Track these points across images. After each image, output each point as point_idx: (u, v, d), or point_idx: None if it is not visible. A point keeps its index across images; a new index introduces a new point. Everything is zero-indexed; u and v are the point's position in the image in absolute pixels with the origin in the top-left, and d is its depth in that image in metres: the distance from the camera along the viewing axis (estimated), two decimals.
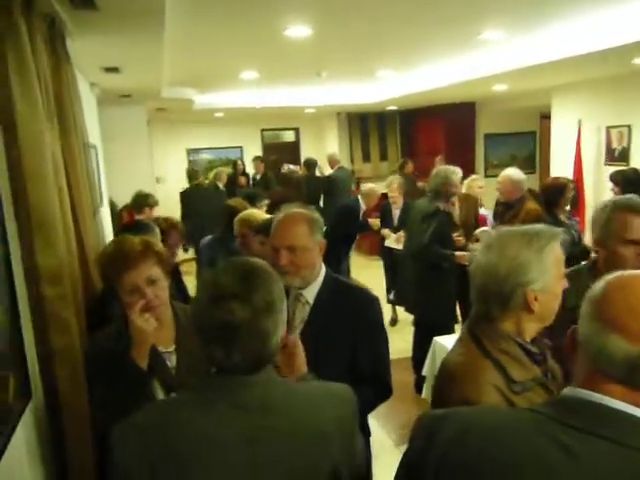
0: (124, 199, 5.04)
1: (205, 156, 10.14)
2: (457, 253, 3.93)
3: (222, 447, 1.05)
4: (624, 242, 1.70)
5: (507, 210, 4.09)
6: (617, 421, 0.79)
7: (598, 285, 0.88)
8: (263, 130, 10.53)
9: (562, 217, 3.90)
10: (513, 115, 8.94)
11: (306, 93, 7.71)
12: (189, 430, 1.06)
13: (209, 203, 6.63)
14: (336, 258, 5.42)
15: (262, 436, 1.07)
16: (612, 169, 5.98)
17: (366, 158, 10.60)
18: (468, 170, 9.06)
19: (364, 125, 10.49)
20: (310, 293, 1.87)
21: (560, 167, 6.83)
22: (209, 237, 3.63)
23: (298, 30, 3.75)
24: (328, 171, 8.20)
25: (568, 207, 4.27)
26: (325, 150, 10.07)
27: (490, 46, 4.70)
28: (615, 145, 6.08)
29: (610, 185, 4.81)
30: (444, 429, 0.91)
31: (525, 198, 4.01)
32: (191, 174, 7.72)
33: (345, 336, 1.81)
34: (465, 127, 9.32)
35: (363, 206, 5.51)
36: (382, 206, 6.04)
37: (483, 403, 1.14)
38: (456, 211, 4.35)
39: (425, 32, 4.22)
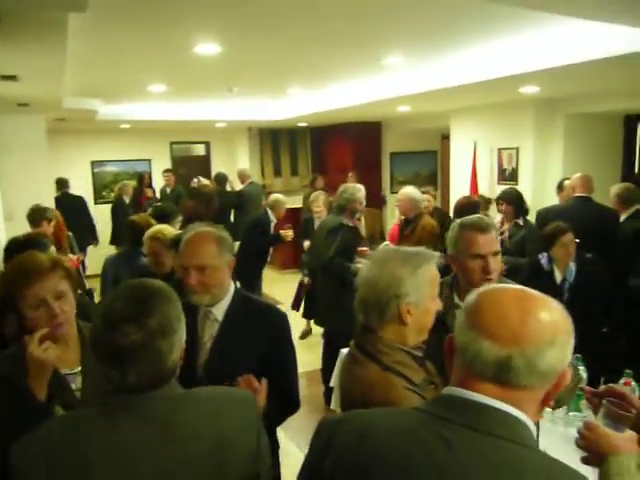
0: (22, 212, 4.76)
1: (111, 169, 9.75)
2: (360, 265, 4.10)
3: (127, 460, 1.08)
4: (471, 256, 1.89)
5: (406, 225, 4.34)
6: (486, 415, 0.90)
7: (471, 297, 1.00)
8: (173, 143, 10.32)
9: None
10: (416, 135, 9.43)
11: (217, 107, 7.70)
12: (94, 446, 1.08)
13: (76, 213, 6.66)
14: (251, 273, 5.44)
15: (165, 446, 1.10)
16: (503, 187, 6.51)
17: (277, 173, 10.72)
18: (375, 187, 9.53)
19: (275, 140, 10.61)
20: (219, 310, 1.90)
21: (458, 185, 7.31)
22: (114, 254, 3.54)
23: (207, 47, 3.77)
24: (239, 186, 8.21)
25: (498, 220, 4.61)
26: (236, 164, 10.07)
27: (391, 70, 4.98)
28: (506, 165, 6.62)
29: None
30: (341, 432, 0.99)
31: (422, 215, 4.30)
32: (59, 182, 7.51)
33: (253, 352, 1.85)
34: (372, 145, 9.71)
35: (273, 218, 5.57)
36: (304, 220, 6.16)
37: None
38: (362, 225, 4.56)
39: (331, 54, 4.39)
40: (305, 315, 5.75)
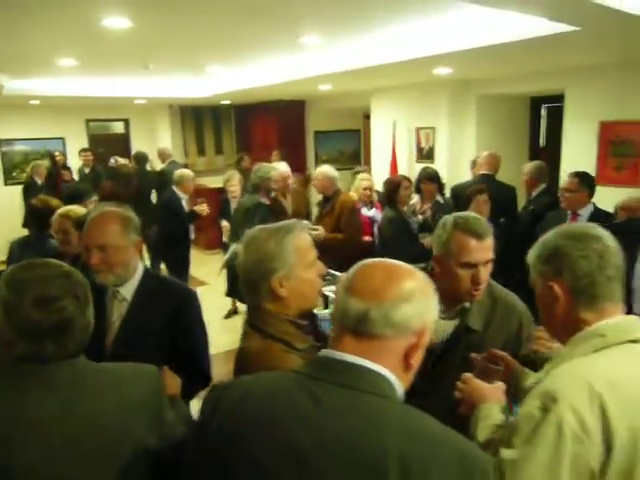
0: None
1: (21, 148, 9.18)
2: None
3: (38, 426, 1.16)
4: (461, 264, 1.69)
5: (325, 203, 4.43)
6: (350, 371, 0.99)
7: (351, 270, 1.09)
8: (89, 121, 9.84)
9: (405, 210, 4.32)
10: (340, 114, 9.54)
11: (135, 84, 7.40)
12: (5, 413, 1.15)
13: None
14: (176, 257, 5.37)
15: (72, 410, 1.18)
16: (422, 165, 6.76)
17: (201, 152, 10.52)
18: (300, 165, 9.58)
19: (198, 118, 10.39)
20: (127, 290, 1.91)
21: (380, 163, 7.50)
22: (21, 237, 3.39)
23: (116, 21, 3.63)
24: (160, 165, 8.00)
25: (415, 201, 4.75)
26: (158, 143, 9.77)
27: (310, 49, 5.00)
28: (424, 144, 6.86)
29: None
30: (226, 397, 1.06)
31: (339, 191, 4.42)
32: None
33: (163, 330, 1.88)
34: (296, 124, 9.74)
35: (182, 195, 5.49)
36: (221, 201, 6.11)
37: None
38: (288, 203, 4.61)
39: (249, 31, 4.34)
40: (229, 294, 5.77)
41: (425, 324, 1.04)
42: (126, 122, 10.38)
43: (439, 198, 4.62)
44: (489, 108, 6.50)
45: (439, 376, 1.65)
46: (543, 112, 6.88)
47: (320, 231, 4.19)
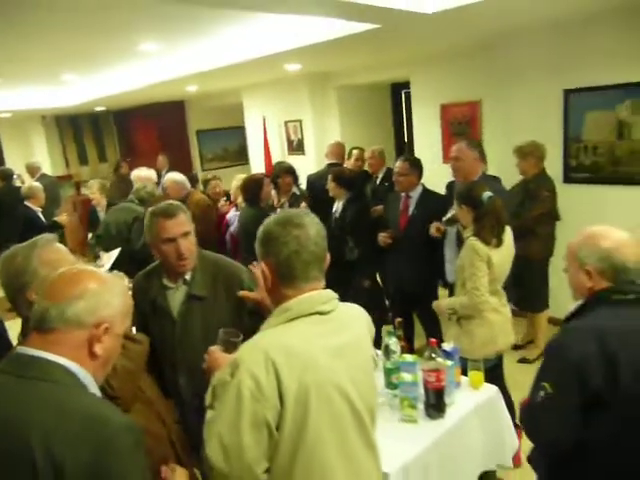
0: None
1: None
2: None
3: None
4: (163, 241, 2.02)
5: None
6: (31, 363, 1.14)
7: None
8: None
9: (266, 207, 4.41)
10: (221, 112, 9.56)
11: None
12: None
13: None
14: None
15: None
16: (294, 158, 6.98)
17: (83, 161, 10.25)
18: (186, 167, 9.53)
19: (77, 127, 10.10)
20: None
21: (257, 158, 7.66)
22: None
23: None
24: (29, 180, 7.71)
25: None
26: (34, 156, 9.39)
27: (153, 55, 5.03)
28: (293, 137, 7.08)
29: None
30: None
31: (192, 193, 4.55)
32: None
33: None
34: (178, 125, 9.68)
35: (36, 208, 5.51)
36: (89, 211, 6.02)
37: None
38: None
39: (95, 41, 4.31)
40: None
41: (103, 318, 1.20)
42: None
43: (295, 189, 4.83)
44: (350, 97, 6.80)
45: (184, 343, 2.04)
46: (404, 98, 7.28)
47: None
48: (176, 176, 4.56)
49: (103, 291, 1.22)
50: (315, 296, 1.40)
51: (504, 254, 2.69)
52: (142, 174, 4.98)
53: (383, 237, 3.83)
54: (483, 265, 2.57)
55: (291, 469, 1.29)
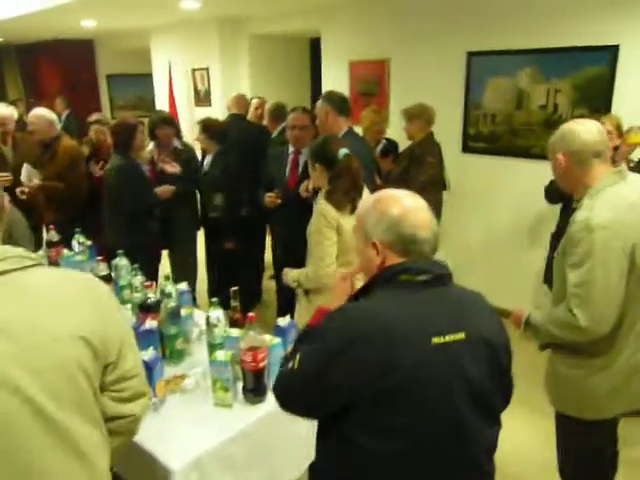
0: None
1: None
2: None
3: None
4: None
5: (46, 149, 4.01)
6: None
7: None
8: None
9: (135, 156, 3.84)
10: (134, 56, 8.80)
11: None
12: None
13: None
14: None
15: None
16: (201, 109, 6.49)
17: None
18: (93, 111, 8.80)
19: None
20: None
21: (162, 107, 7.09)
22: None
23: None
24: None
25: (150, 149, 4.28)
26: None
27: None
28: (200, 87, 6.57)
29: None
30: None
31: (62, 136, 4.04)
32: None
33: None
34: (86, 66, 8.90)
35: None
36: None
37: None
38: None
39: None
40: None
41: None
42: None
43: (177, 143, 4.29)
44: (264, 48, 6.33)
45: None
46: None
47: (34, 182, 3.80)
48: (42, 111, 4.01)
49: None
50: None
51: None
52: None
53: (270, 198, 3.48)
54: (331, 233, 2.29)
55: None
